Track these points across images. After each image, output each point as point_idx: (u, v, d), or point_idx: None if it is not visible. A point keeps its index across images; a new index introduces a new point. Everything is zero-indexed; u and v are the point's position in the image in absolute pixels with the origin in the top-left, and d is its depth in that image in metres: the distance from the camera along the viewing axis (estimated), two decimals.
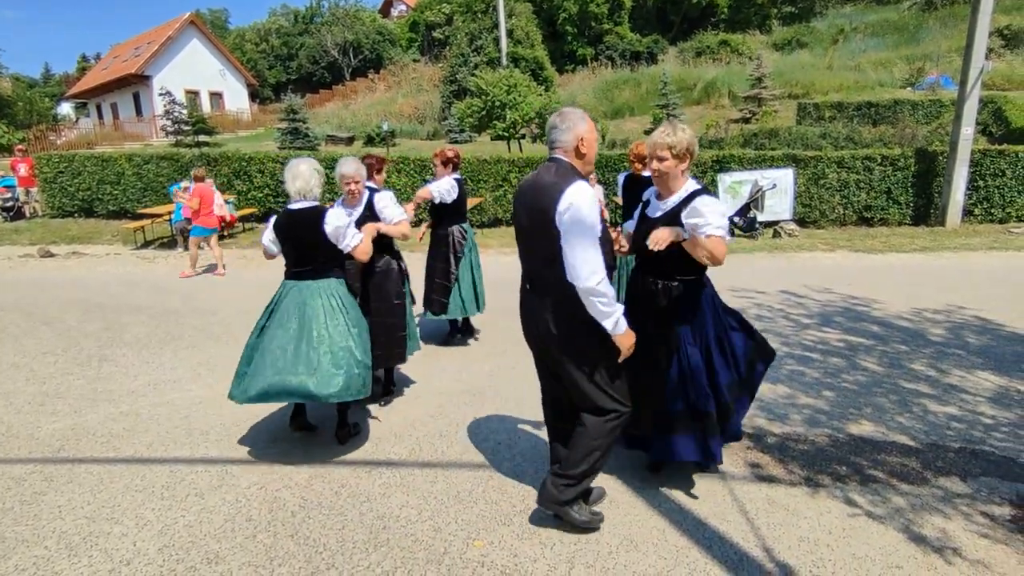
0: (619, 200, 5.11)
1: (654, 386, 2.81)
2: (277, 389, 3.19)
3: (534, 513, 2.81)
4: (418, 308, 5.55)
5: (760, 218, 11.07)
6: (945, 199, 11.16)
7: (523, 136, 17.44)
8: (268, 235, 3.42)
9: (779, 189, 11.12)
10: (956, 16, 26.56)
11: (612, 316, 2.35)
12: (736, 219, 11.01)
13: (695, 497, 2.92)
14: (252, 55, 42.88)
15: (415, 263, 5.52)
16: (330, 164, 8.77)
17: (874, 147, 13.59)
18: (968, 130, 10.93)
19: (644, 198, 2.99)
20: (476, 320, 5.85)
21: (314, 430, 3.71)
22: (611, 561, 2.48)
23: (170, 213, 10.77)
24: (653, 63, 29.52)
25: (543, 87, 21.22)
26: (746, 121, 20.19)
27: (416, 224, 5.34)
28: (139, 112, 31.08)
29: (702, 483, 3.04)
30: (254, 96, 37.81)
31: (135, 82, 30.74)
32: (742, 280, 7.47)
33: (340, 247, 3.35)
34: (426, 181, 11.38)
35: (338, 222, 3.28)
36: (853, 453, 3.32)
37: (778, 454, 3.32)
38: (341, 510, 2.87)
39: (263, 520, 2.80)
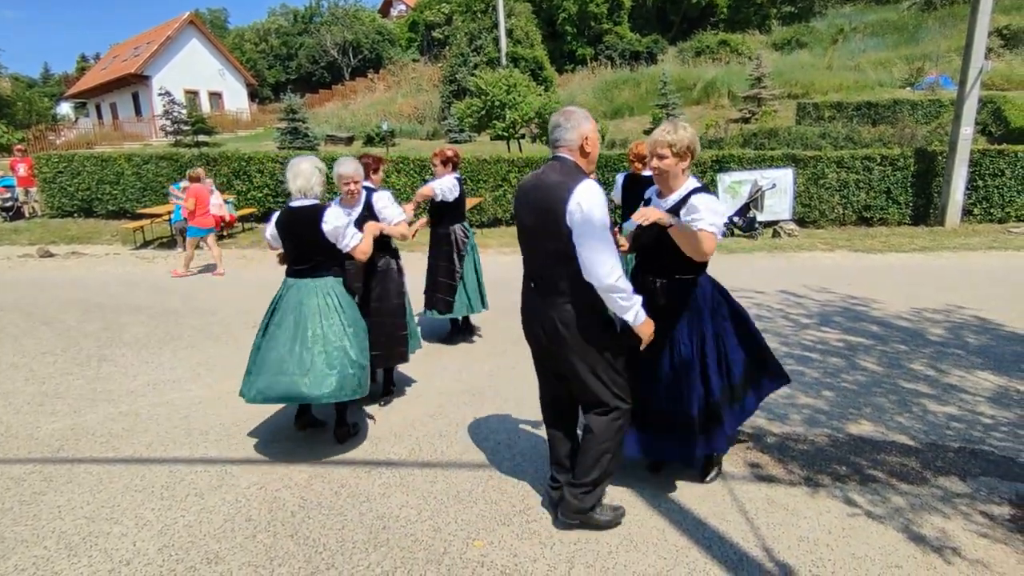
0: (616, 200, 5.11)
1: (648, 383, 2.81)
2: (272, 390, 3.22)
3: (534, 513, 2.81)
4: (417, 307, 5.56)
5: (760, 218, 11.07)
6: (944, 199, 11.16)
7: (523, 136, 17.43)
8: (270, 230, 3.44)
9: (779, 189, 11.12)
10: (955, 16, 26.57)
11: (632, 309, 2.39)
12: (736, 219, 11.02)
13: (695, 497, 2.92)
14: (251, 55, 42.87)
15: (415, 263, 5.53)
16: (329, 164, 8.74)
17: (873, 147, 13.60)
18: (967, 130, 10.93)
19: (645, 197, 3.00)
20: (477, 319, 5.86)
21: (322, 426, 3.72)
22: (611, 561, 2.48)
23: (170, 213, 10.77)
24: (653, 63, 29.51)
25: (543, 87, 21.21)
26: (746, 121, 20.18)
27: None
28: (138, 112, 31.08)
29: (702, 483, 3.04)
30: (253, 96, 37.80)
31: (134, 82, 30.74)
32: (742, 280, 7.47)
33: (339, 247, 3.36)
34: (425, 181, 11.41)
35: (336, 221, 3.29)
36: (853, 453, 3.32)
37: (778, 454, 3.33)
38: (341, 510, 2.87)
39: (263, 520, 2.80)
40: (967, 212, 11.33)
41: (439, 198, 5.01)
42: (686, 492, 2.96)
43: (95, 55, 48.39)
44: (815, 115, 19.13)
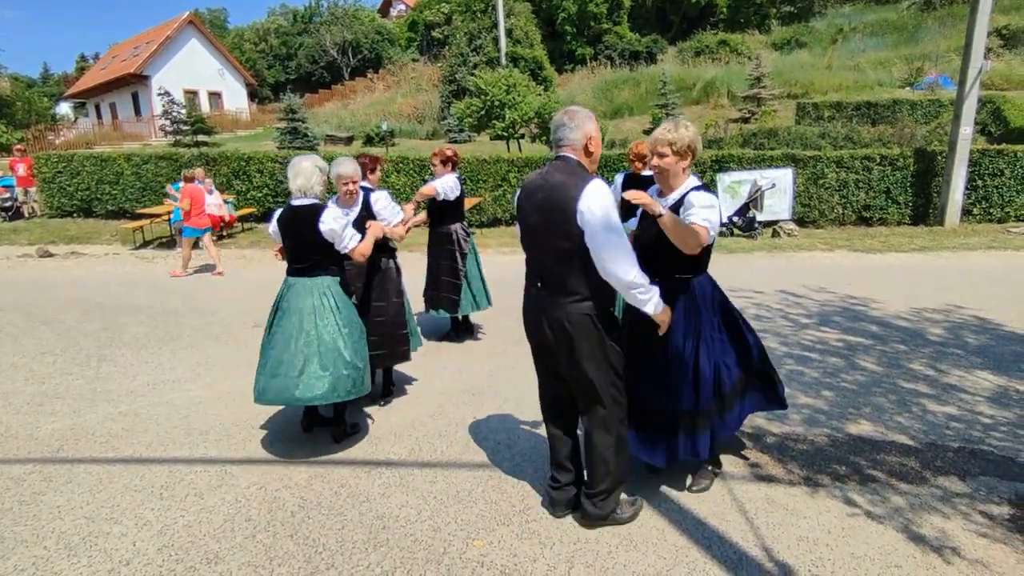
0: (615, 199, 5.12)
1: (646, 383, 2.81)
2: (268, 392, 3.27)
3: (533, 513, 2.81)
4: (417, 307, 5.55)
5: (759, 218, 11.07)
6: (944, 199, 11.17)
7: (522, 136, 17.43)
8: (272, 226, 3.46)
9: (778, 189, 11.12)
10: (955, 16, 26.59)
11: (651, 301, 2.43)
12: (735, 219, 11.02)
13: (694, 497, 2.92)
14: (251, 55, 42.85)
15: (414, 263, 5.53)
16: (329, 164, 8.75)
17: (873, 147, 13.60)
18: (967, 130, 10.94)
19: None
20: (478, 318, 5.87)
21: (330, 426, 3.71)
22: (610, 561, 2.48)
23: (169, 213, 10.76)
24: (652, 63, 29.52)
25: (542, 87, 21.20)
26: (745, 121, 20.19)
27: (418, 225, 5.34)
28: (138, 112, 31.06)
29: (687, 490, 3.02)
30: (253, 96, 37.78)
31: (134, 82, 30.72)
32: (741, 280, 7.47)
33: (338, 247, 3.36)
34: (425, 181, 11.41)
35: (334, 223, 3.29)
36: (852, 453, 3.32)
37: (777, 454, 3.33)
38: (340, 510, 2.87)
39: (262, 520, 2.80)
40: (966, 212, 11.34)
41: (441, 197, 5.02)
42: (686, 492, 2.96)
43: (94, 55, 48.42)
44: (815, 115, 19.15)
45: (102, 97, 34.16)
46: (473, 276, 5.30)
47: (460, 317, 5.50)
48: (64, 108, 41.13)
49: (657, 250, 2.71)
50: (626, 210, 3.41)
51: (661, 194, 2.84)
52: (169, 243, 11.02)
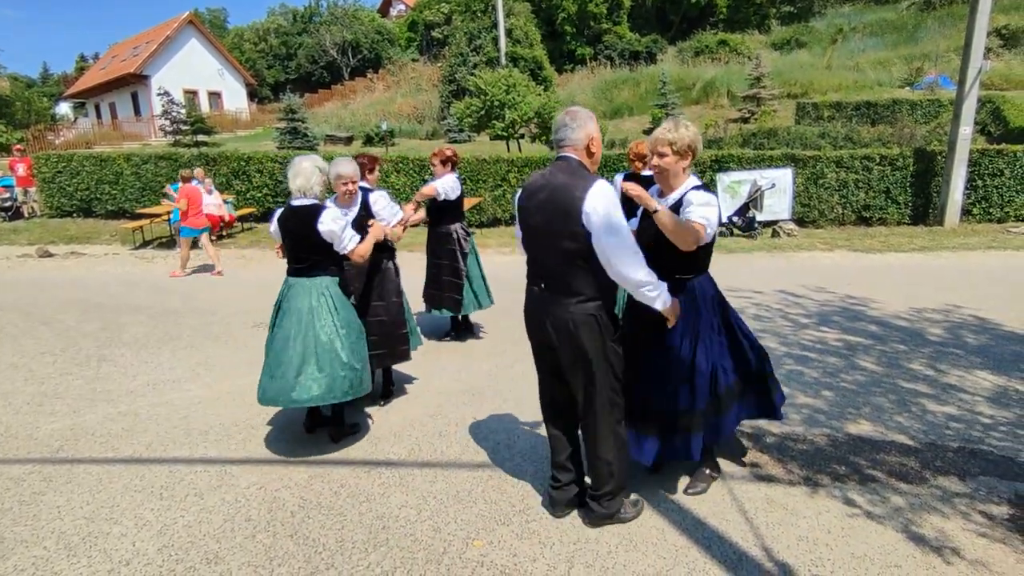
0: None
1: (646, 383, 2.82)
2: (267, 393, 3.30)
3: (533, 512, 2.81)
4: (416, 307, 5.55)
5: (759, 218, 11.08)
6: (943, 199, 11.17)
7: (522, 136, 17.44)
8: (273, 226, 3.47)
9: (778, 189, 11.12)
10: (954, 16, 26.61)
11: (660, 298, 2.45)
12: (735, 219, 11.03)
13: (694, 497, 2.92)
14: (251, 55, 42.84)
15: (413, 262, 5.53)
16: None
17: (873, 147, 13.61)
18: (966, 130, 10.95)
19: None
20: (479, 318, 5.87)
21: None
22: (610, 560, 2.48)
23: (169, 213, 10.76)
24: (652, 63, 29.54)
25: (542, 87, 21.19)
26: (745, 121, 20.20)
27: (417, 225, 5.34)
28: (137, 112, 31.06)
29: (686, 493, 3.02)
30: (253, 96, 37.77)
31: (133, 82, 30.72)
32: (741, 280, 7.47)
33: (337, 249, 3.36)
34: (424, 181, 11.41)
35: (333, 224, 3.28)
36: (852, 453, 3.32)
37: (777, 454, 3.33)
38: (340, 510, 2.87)
39: (262, 520, 2.80)
40: (966, 212, 11.35)
41: (442, 197, 5.02)
42: (685, 492, 2.96)
43: (94, 55, 48.40)
44: (814, 115, 19.16)
45: (102, 97, 34.16)
46: (474, 275, 5.31)
47: (460, 317, 5.50)
48: (64, 108, 41.11)
49: (657, 250, 2.71)
50: (627, 210, 3.40)
51: (661, 194, 2.84)
52: (169, 243, 11.01)
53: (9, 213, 13.08)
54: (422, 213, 5.29)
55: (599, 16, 32.98)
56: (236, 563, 2.50)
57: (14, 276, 9.03)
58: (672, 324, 2.62)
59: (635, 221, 3.06)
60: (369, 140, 22.08)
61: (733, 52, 28.51)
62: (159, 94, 22.80)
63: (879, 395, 4.09)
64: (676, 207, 2.71)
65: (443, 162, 5.09)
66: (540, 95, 17.38)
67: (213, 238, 11.04)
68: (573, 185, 2.35)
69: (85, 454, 3.47)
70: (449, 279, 5.18)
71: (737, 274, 7.84)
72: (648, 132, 17.21)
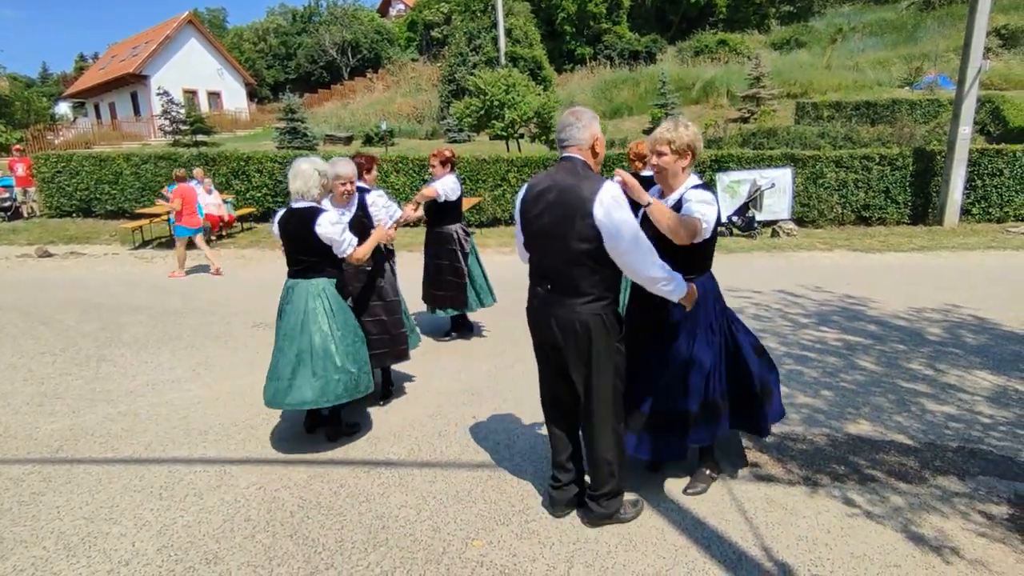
0: None
1: (646, 383, 2.82)
2: (267, 395, 3.36)
3: (533, 512, 2.81)
4: (415, 306, 5.55)
5: (758, 218, 11.07)
6: (943, 198, 11.18)
7: (521, 136, 17.43)
8: (274, 227, 3.48)
9: (777, 189, 11.12)
10: (954, 15, 26.62)
11: (676, 290, 2.44)
12: (734, 219, 11.03)
13: (694, 496, 2.92)
14: (250, 54, 42.82)
15: (414, 262, 5.53)
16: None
17: (872, 146, 13.61)
18: (966, 129, 10.95)
19: None
20: (480, 317, 5.87)
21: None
22: (610, 560, 2.48)
23: (168, 213, 10.75)
24: (652, 62, 29.55)
25: (542, 86, 21.20)
26: (744, 120, 20.21)
27: (418, 224, 5.35)
28: (137, 112, 31.05)
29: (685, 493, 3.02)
30: (252, 96, 37.77)
31: (133, 82, 30.71)
32: (740, 280, 7.48)
33: (336, 252, 3.36)
34: (424, 180, 11.41)
35: (332, 227, 3.28)
36: (851, 452, 3.33)
37: (776, 453, 3.33)
38: (340, 510, 2.87)
39: (262, 520, 2.80)
40: (965, 211, 11.35)
41: (442, 198, 5.03)
42: (685, 491, 2.96)
43: (93, 55, 48.38)
44: (814, 115, 19.17)
45: (101, 97, 34.15)
46: (476, 275, 5.33)
47: (458, 316, 5.51)
48: (63, 108, 41.09)
49: (657, 249, 2.70)
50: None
51: (662, 194, 2.84)
52: (168, 243, 11.00)
53: (8, 213, 13.08)
54: (420, 212, 5.29)
55: (599, 16, 32.99)
56: (235, 563, 2.50)
57: (13, 276, 9.02)
58: (690, 308, 2.61)
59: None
60: (369, 140, 22.08)
61: (733, 52, 28.52)
62: (158, 94, 22.80)
63: (878, 395, 4.09)
64: (676, 207, 2.70)
65: (443, 163, 5.09)
66: (540, 95, 17.39)
67: (212, 238, 11.07)
68: (581, 186, 2.35)
69: (85, 454, 3.47)
70: (451, 279, 5.18)
71: (737, 274, 7.84)
72: (648, 132, 17.20)
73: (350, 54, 39.42)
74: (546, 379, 2.72)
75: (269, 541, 2.64)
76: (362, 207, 3.88)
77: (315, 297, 3.34)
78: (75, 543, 2.65)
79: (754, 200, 11.08)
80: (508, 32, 24.94)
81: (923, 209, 11.42)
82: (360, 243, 3.48)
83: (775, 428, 3.58)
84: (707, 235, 2.65)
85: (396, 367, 4.39)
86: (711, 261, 2.84)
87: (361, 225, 3.76)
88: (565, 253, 2.41)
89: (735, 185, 11.22)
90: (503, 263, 8.81)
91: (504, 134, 16.52)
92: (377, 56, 38.81)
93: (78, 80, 38.05)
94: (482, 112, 16.43)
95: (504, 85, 16.24)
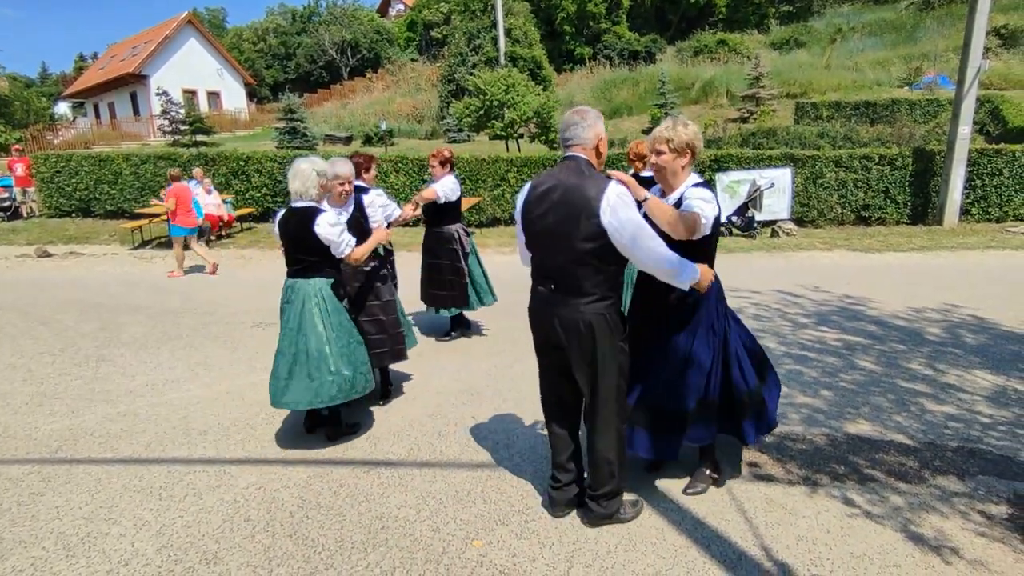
0: None
1: (647, 382, 2.82)
2: (270, 394, 3.39)
3: (533, 512, 2.81)
4: (412, 306, 5.56)
5: (758, 217, 11.08)
6: (942, 198, 11.18)
7: (521, 136, 17.43)
8: (274, 228, 3.49)
9: (777, 188, 11.13)
10: (953, 15, 26.63)
11: (689, 278, 2.45)
12: (734, 218, 11.03)
13: (693, 496, 2.92)
14: (250, 54, 42.80)
15: (414, 262, 5.53)
16: None
17: (872, 146, 13.61)
18: (965, 129, 10.96)
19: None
20: (481, 317, 5.87)
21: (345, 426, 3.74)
22: (609, 560, 2.48)
23: (167, 213, 10.75)
24: (651, 62, 29.55)
25: (541, 86, 21.21)
26: (744, 120, 20.22)
27: (416, 224, 5.36)
28: (136, 112, 31.04)
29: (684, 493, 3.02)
30: (252, 95, 37.75)
31: (132, 82, 30.69)
32: (740, 280, 7.48)
33: (334, 252, 3.36)
34: (424, 180, 11.41)
35: (330, 228, 3.28)
36: (851, 452, 3.33)
37: (776, 453, 3.33)
38: (340, 510, 2.87)
39: (261, 520, 2.79)
40: (965, 211, 11.36)
41: (442, 200, 5.03)
42: (684, 491, 2.96)
43: (93, 55, 48.35)
44: (813, 115, 19.18)
45: (100, 97, 34.13)
46: (476, 274, 5.34)
47: (457, 315, 5.52)
48: (62, 108, 41.06)
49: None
50: None
51: (663, 194, 2.84)
52: (167, 243, 10.98)
53: (8, 213, 13.07)
54: (418, 211, 5.29)
55: (598, 16, 33.01)
56: (235, 563, 2.50)
57: (13, 276, 9.02)
58: (704, 290, 2.60)
59: None
60: (368, 140, 22.08)
61: (732, 52, 28.52)
62: (158, 94, 22.81)
63: (878, 395, 4.10)
64: (676, 205, 2.70)
65: (442, 163, 5.10)
66: (539, 95, 17.39)
67: (212, 238, 11.07)
68: (587, 186, 2.35)
69: (84, 454, 3.47)
70: (451, 278, 5.19)
71: (736, 274, 7.84)
72: (647, 132, 17.21)
73: (349, 54, 39.42)
74: (548, 379, 2.72)
75: (269, 541, 2.64)
76: (359, 207, 3.88)
77: (311, 298, 3.35)
78: (74, 543, 2.64)
79: (753, 200, 11.08)
80: (508, 32, 24.94)
81: (922, 209, 11.42)
82: (358, 243, 3.49)
83: (775, 428, 3.58)
84: (707, 231, 2.63)
85: (395, 367, 4.39)
86: (713, 261, 2.84)
87: (359, 225, 3.76)
88: (569, 253, 2.40)
89: (734, 185, 11.23)
90: (503, 263, 8.81)
91: (504, 134, 16.53)
92: (377, 56, 38.81)
93: (77, 80, 38.04)
94: (482, 112, 16.43)
95: (504, 85, 16.24)
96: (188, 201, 8.72)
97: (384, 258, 4.17)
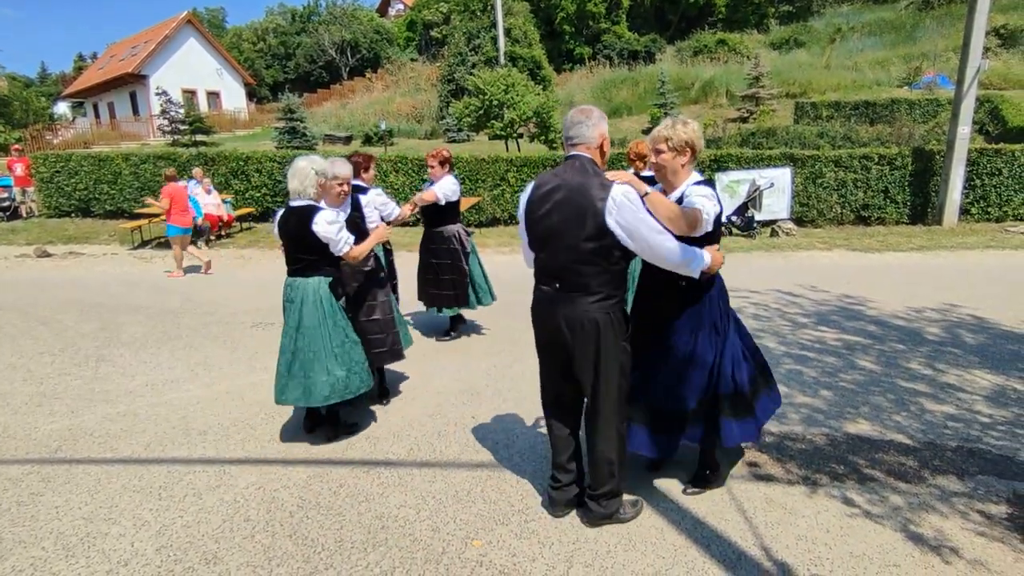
0: None
1: (648, 382, 2.82)
2: (274, 394, 3.44)
3: (532, 512, 2.81)
4: (409, 306, 5.57)
5: (757, 217, 11.08)
6: (942, 198, 11.19)
7: (521, 135, 17.43)
8: (274, 228, 3.50)
9: (776, 188, 11.13)
10: (953, 15, 26.63)
11: (699, 266, 2.47)
12: (734, 218, 11.03)
13: (693, 496, 2.92)
14: (249, 54, 42.78)
15: (414, 261, 5.52)
16: None
17: (871, 146, 13.62)
18: (965, 129, 10.96)
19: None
20: (481, 317, 5.87)
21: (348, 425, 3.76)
22: (609, 560, 2.48)
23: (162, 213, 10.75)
24: (651, 62, 29.55)
25: (541, 86, 21.21)
26: (744, 120, 20.22)
27: (415, 223, 5.37)
28: (136, 111, 31.01)
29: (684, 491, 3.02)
30: (251, 95, 37.73)
31: (132, 81, 30.66)
32: (740, 279, 7.48)
33: (333, 251, 3.36)
34: (423, 180, 11.40)
35: (328, 226, 3.28)
36: (850, 452, 3.33)
37: (776, 453, 3.33)
38: (339, 510, 2.87)
39: (261, 520, 2.79)
40: (964, 211, 11.36)
41: (443, 202, 5.03)
42: (684, 491, 2.96)
43: (92, 54, 48.29)
44: (813, 114, 19.18)
45: (100, 97, 34.10)
46: (476, 274, 5.35)
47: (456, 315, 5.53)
48: (62, 108, 41.04)
49: None
50: None
51: (664, 193, 2.83)
52: (167, 243, 10.98)
53: (7, 213, 13.05)
54: (415, 210, 5.29)
55: (598, 16, 33.01)
56: (235, 563, 2.50)
57: (12, 276, 9.02)
58: (715, 272, 2.61)
59: None
60: (368, 140, 22.08)
61: (732, 52, 28.52)
62: (157, 94, 22.81)
63: (877, 394, 4.10)
64: (677, 204, 2.70)
65: (441, 163, 5.09)
66: (539, 95, 17.38)
67: (212, 237, 11.06)
68: (590, 184, 2.36)
69: (83, 454, 3.46)
70: (451, 278, 5.19)
71: (736, 274, 7.84)
72: (647, 132, 17.22)
73: (349, 54, 39.40)
74: (550, 379, 2.71)
75: (268, 541, 2.64)
76: (356, 207, 3.88)
77: (309, 297, 3.36)
78: (74, 543, 2.64)
79: (753, 200, 11.08)
80: (507, 32, 24.93)
81: (922, 209, 11.43)
82: (357, 242, 3.49)
83: (774, 428, 3.59)
84: (708, 227, 2.61)
85: (395, 366, 4.39)
86: (711, 273, 2.82)
87: (356, 225, 3.76)
88: (574, 252, 2.41)
89: (734, 185, 11.22)
90: (503, 263, 8.81)
91: (503, 134, 16.52)
92: (376, 56, 38.79)
93: (77, 80, 38.00)
94: (481, 112, 16.42)
95: (503, 85, 16.24)
96: (182, 200, 8.71)
97: (384, 258, 4.18)
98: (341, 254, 3.39)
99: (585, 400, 2.63)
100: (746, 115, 20.45)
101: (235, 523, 2.78)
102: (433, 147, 5.82)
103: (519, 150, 15.85)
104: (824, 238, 10.63)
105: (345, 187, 3.71)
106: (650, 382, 2.81)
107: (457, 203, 5.22)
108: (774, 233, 10.99)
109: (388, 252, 4.64)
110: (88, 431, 3.76)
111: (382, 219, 4.20)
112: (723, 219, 2.86)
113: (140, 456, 3.44)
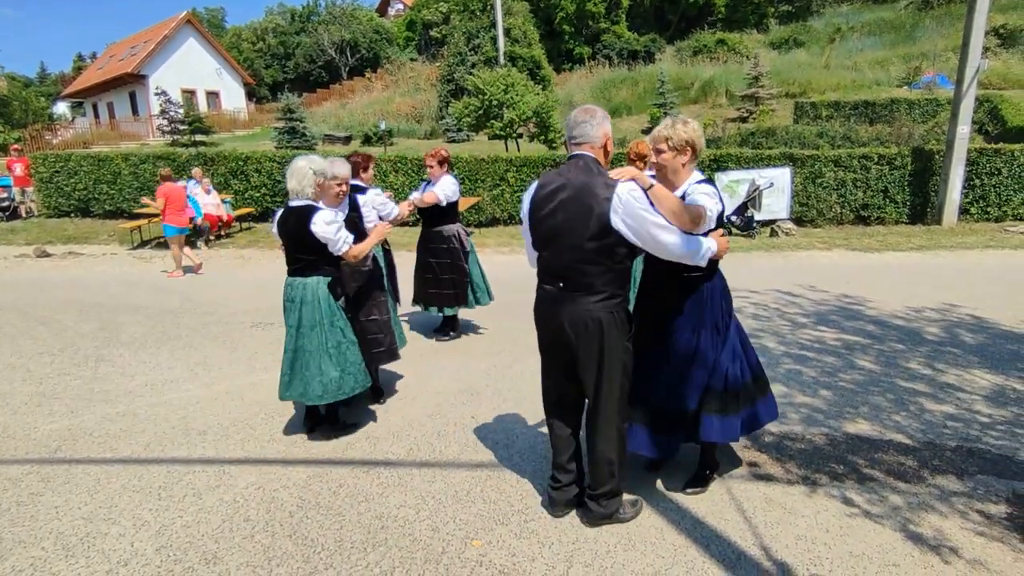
0: None
1: (650, 381, 2.82)
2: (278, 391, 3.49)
3: (532, 512, 2.81)
4: (405, 307, 5.57)
5: (757, 217, 11.09)
6: (941, 198, 11.19)
7: (520, 135, 17.43)
8: (274, 227, 3.51)
9: (776, 188, 11.14)
10: (952, 15, 26.64)
11: (709, 254, 2.47)
12: (733, 218, 11.04)
13: (693, 496, 2.92)
14: (249, 54, 42.77)
15: (412, 261, 5.52)
16: None
17: (871, 146, 13.60)
18: (964, 129, 10.96)
19: None
20: (481, 317, 5.87)
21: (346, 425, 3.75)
22: (609, 560, 2.48)
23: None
24: (650, 62, 29.54)
25: (540, 86, 21.20)
26: (743, 120, 20.22)
27: (415, 223, 5.38)
28: (135, 111, 30.99)
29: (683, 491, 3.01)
30: (251, 95, 37.72)
31: (131, 81, 30.64)
32: (739, 279, 7.48)
33: (332, 250, 3.36)
34: (422, 179, 11.40)
35: (326, 226, 3.28)
36: (850, 452, 3.33)
37: (775, 453, 3.33)
38: (339, 510, 2.87)
39: (261, 520, 2.79)
40: (964, 211, 11.37)
41: (444, 203, 5.03)
42: (684, 491, 2.96)
43: (92, 54, 48.25)
44: (812, 114, 19.18)
45: (99, 97, 34.08)
46: (475, 274, 5.35)
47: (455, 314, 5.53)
48: (61, 108, 41.02)
49: None
50: None
51: None
52: (166, 243, 10.98)
53: (7, 213, 13.05)
54: (412, 209, 5.29)
55: (597, 15, 33.00)
56: (234, 563, 2.50)
57: (12, 276, 9.01)
58: (723, 253, 2.61)
59: None
60: (367, 139, 22.06)
61: (731, 51, 28.51)
62: (157, 94, 22.80)
63: (877, 394, 4.10)
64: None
65: (440, 162, 5.09)
66: (538, 94, 17.37)
67: (211, 237, 11.06)
68: (595, 184, 2.36)
69: (83, 454, 3.46)
70: (451, 278, 5.19)
71: (735, 273, 7.80)
72: (647, 132, 17.23)
73: (349, 54, 39.39)
74: (551, 378, 2.71)
75: (268, 541, 2.64)
76: (354, 207, 3.88)
77: (308, 296, 3.37)
78: (74, 543, 2.64)
79: (753, 200, 11.09)
80: (507, 32, 24.92)
81: (921, 208, 11.43)
82: (356, 241, 3.49)
83: (773, 428, 3.59)
84: (711, 224, 2.61)
85: (393, 366, 4.38)
86: (718, 261, 2.82)
87: (354, 225, 3.76)
88: (579, 251, 2.41)
89: (734, 185, 11.23)
90: (502, 263, 8.81)
91: (503, 134, 16.52)
92: (376, 56, 38.77)
93: (76, 80, 37.97)
94: (481, 112, 16.42)
95: (503, 85, 16.23)
96: (178, 200, 8.71)
97: (383, 257, 4.17)
98: (340, 254, 3.39)
99: (586, 399, 2.63)
100: (746, 115, 20.45)
101: (235, 523, 2.78)
102: (432, 147, 5.81)
103: (519, 150, 15.84)
104: (823, 238, 10.64)
105: (343, 187, 3.71)
106: (652, 382, 2.81)
107: (456, 203, 5.23)
108: (774, 233, 10.99)
109: (387, 252, 4.64)
110: (88, 431, 3.76)
111: (380, 219, 4.20)
112: (724, 218, 2.85)
113: (140, 456, 3.44)
